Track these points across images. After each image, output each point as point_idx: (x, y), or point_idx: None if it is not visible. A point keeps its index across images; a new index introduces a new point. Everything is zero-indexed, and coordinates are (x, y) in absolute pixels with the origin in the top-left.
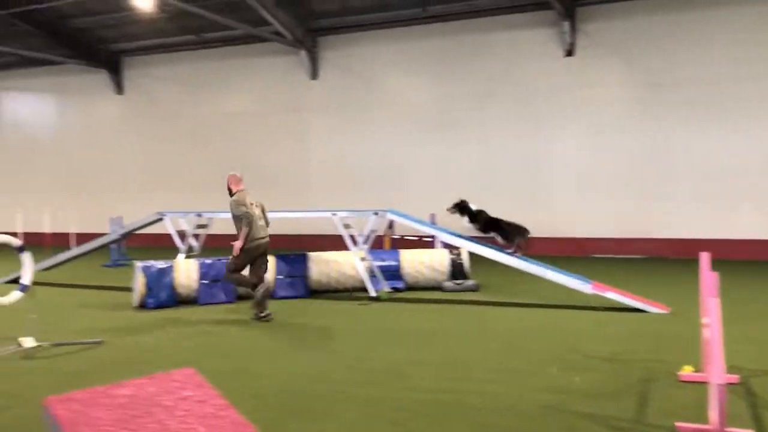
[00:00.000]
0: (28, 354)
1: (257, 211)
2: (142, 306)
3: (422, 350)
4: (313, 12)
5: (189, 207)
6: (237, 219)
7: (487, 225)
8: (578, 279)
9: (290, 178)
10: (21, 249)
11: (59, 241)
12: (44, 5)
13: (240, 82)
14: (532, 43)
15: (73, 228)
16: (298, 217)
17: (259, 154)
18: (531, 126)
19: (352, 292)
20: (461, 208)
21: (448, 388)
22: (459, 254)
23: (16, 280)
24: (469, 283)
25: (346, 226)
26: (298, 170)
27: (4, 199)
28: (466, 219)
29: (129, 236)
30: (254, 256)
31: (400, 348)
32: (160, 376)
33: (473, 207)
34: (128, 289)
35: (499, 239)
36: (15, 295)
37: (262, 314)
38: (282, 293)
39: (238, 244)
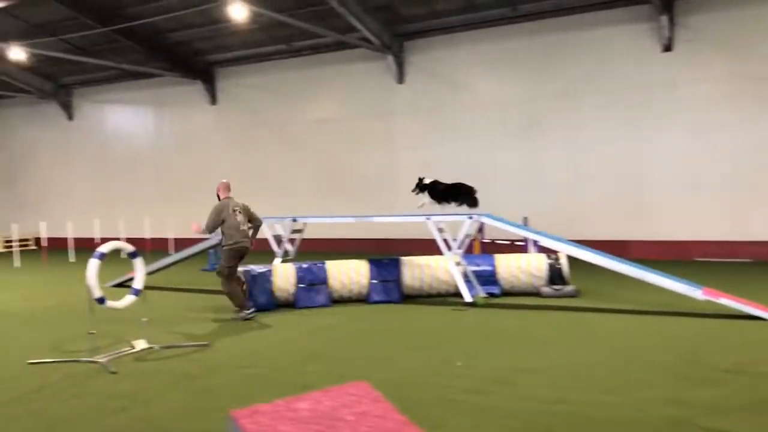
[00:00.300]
0: (141, 356)
1: (240, 217)
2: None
3: (527, 357)
4: (400, 17)
5: (280, 212)
6: (209, 220)
7: (446, 193)
8: (686, 284)
9: (378, 182)
10: (134, 255)
11: (158, 245)
12: (143, 21)
13: (328, 89)
14: (626, 39)
15: (170, 233)
16: (390, 221)
17: (347, 159)
18: (626, 126)
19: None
20: (420, 186)
21: (561, 398)
22: (557, 258)
23: (122, 284)
24: (569, 288)
25: (440, 230)
26: (386, 174)
27: (107, 206)
28: (426, 195)
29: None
30: (237, 257)
31: (504, 355)
32: (335, 390)
33: (426, 181)
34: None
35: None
36: (128, 298)
37: (248, 312)
38: (375, 297)
39: (195, 227)
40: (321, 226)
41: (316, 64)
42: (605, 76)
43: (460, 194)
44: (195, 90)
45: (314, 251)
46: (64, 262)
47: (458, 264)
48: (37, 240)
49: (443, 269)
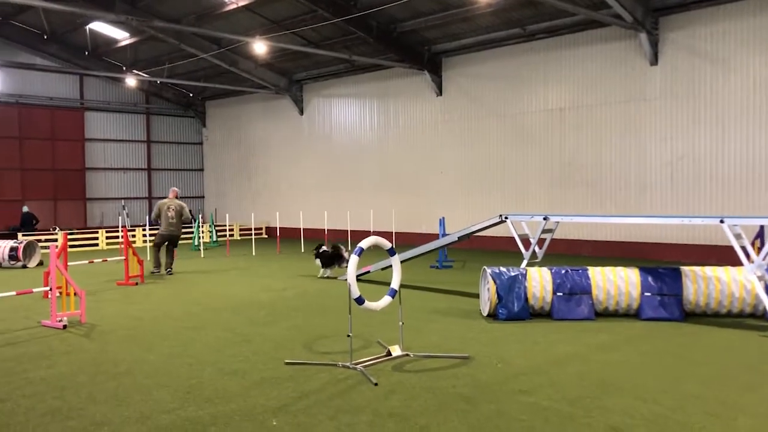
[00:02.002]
0: (398, 365)
1: (171, 213)
2: (493, 315)
3: None
4: None
5: (510, 209)
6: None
7: None
8: None
9: (620, 177)
10: (392, 252)
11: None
12: (377, 8)
13: (566, 75)
14: None
15: (393, 227)
16: (659, 223)
17: (586, 151)
18: None
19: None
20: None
21: None
22: None
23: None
24: None
25: (737, 237)
26: (631, 168)
27: (334, 198)
28: None
29: (467, 238)
30: (162, 241)
31: None
32: None
33: None
34: (470, 295)
35: None
36: (385, 300)
37: (157, 270)
38: (650, 313)
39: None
40: (573, 226)
41: (553, 47)
42: None
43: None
44: (421, 81)
45: (569, 255)
46: (295, 252)
47: (761, 278)
48: (267, 229)
49: (737, 283)
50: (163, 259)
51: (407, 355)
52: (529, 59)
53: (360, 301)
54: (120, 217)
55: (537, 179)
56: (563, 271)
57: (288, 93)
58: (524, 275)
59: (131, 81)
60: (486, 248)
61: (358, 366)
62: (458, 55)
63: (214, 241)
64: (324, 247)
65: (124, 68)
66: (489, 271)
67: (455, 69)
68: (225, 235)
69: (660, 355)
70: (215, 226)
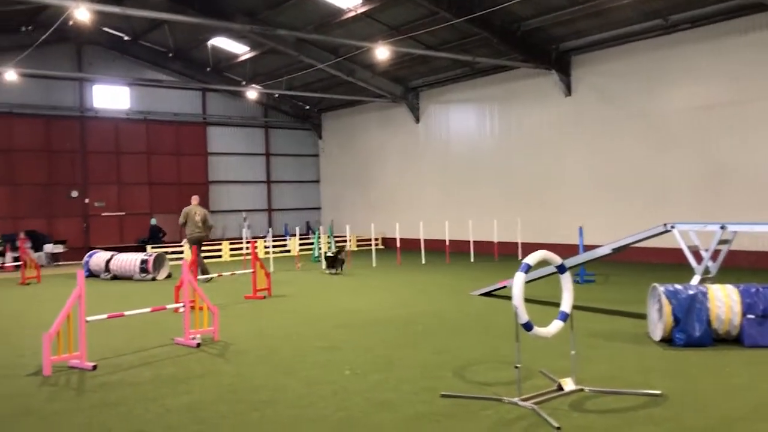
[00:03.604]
0: (575, 402)
1: (198, 218)
2: (667, 341)
3: None
4: None
5: (649, 217)
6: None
7: None
8: None
9: None
10: (562, 269)
11: (505, 250)
12: (500, 6)
13: (715, 68)
14: None
15: (519, 238)
16: None
17: (742, 152)
18: None
19: None
20: None
21: None
22: None
23: (490, 293)
24: None
25: None
26: None
27: (453, 207)
28: None
29: (623, 250)
30: (191, 245)
31: None
32: None
33: None
34: (627, 314)
35: None
36: (556, 325)
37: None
38: (757, 340)
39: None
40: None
41: (697, 39)
42: None
43: None
44: (548, 81)
45: (751, 269)
46: (415, 264)
47: None
48: (384, 240)
49: None
50: (203, 262)
51: (581, 389)
52: (670, 53)
53: (528, 327)
54: (243, 230)
55: (680, 184)
56: (753, 290)
57: (404, 101)
58: (705, 294)
59: (251, 94)
60: (627, 260)
61: (528, 403)
62: (589, 52)
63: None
64: (329, 252)
65: (244, 82)
66: (661, 288)
67: (585, 67)
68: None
69: None
70: (333, 237)
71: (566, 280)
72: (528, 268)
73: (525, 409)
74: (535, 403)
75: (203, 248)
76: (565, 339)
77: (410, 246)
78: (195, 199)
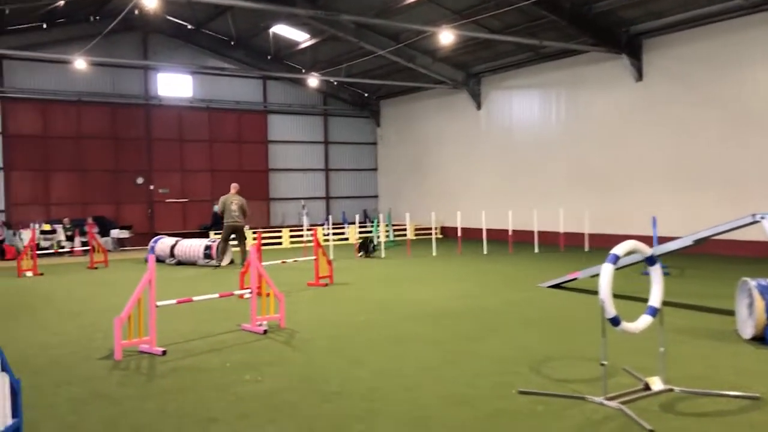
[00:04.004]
0: (665, 404)
1: (234, 207)
2: (760, 339)
3: None
4: None
5: (728, 208)
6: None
7: None
8: None
9: None
10: (651, 260)
11: (572, 241)
12: None
13: None
14: None
15: (586, 228)
16: None
17: None
18: None
19: None
20: None
21: None
22: None
23: (560, 285)
24: None
25: None
26: None
27: (515, 196)
28: None
29: (704, 242)
30: (229, 234)
31: None
32: None
33: None
34: (710, 310)
35: None
36: (644, 320)
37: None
38: None
39: None
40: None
41: None
42: None
43: None
44: (618, 66)
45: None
46: (477, 253)
47: None
48: (443, 229)
49: None
50: (227, 250)
51: (671, 389)
52: (753, 35)
53: (616, 321)
54: (302, 217)
55: (761, 174)
56: None
57: (465, 87)
58: None
59: (311, 82)
60: (698, 253)
61: (614, 402)
62: (662, 35)
63: (391, 241)
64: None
65: (304, 70)
66: (753, 283)
67: (658, 51)
68: (402, 235)
69: None
70: (392, 226)
71: (656, 273)
72: (616, 259)
73: (611, 409)
74: (622, 403)
75: (247, 237)
76: (647, 335)
77: (470, 235)
78: (234, 188)
